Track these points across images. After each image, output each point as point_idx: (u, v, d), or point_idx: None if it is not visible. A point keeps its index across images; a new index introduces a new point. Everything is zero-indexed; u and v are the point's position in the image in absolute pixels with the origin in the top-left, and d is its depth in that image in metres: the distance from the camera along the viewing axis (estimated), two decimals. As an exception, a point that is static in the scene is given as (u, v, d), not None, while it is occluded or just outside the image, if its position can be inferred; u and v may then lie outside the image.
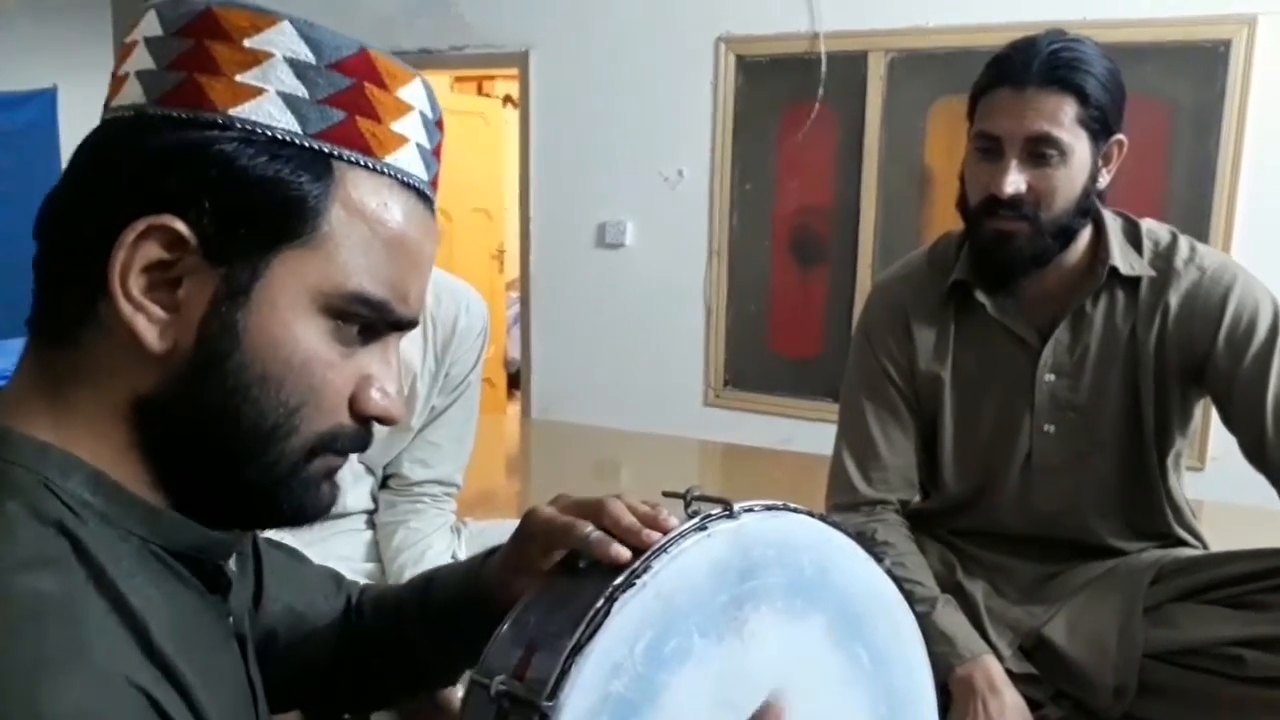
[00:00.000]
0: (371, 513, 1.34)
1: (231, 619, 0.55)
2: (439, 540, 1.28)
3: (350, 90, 0.47)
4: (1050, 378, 1.19)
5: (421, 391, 1.25)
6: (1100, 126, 1.09)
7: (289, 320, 0.47)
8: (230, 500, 0.50)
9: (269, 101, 0.46)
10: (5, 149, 4.98)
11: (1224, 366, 1.12)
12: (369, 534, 1.32)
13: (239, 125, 0.45)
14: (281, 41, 0.46)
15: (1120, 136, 1.13)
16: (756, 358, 3.66)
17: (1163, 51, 2.93)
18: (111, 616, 0.42)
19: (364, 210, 0.48)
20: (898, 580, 0.67)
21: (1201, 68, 2.92)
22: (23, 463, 0.45)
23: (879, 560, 0.66)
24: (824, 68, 3.32)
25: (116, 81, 0.48)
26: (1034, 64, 1.07)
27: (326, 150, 0.47)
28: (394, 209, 0.49)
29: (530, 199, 3.91)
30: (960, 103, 1.19)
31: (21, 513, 0.43)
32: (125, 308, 0.45)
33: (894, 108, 3.30)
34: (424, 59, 3.92)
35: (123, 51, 0.49)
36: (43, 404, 0.47)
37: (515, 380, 4.54)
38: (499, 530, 1.32)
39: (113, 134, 0.47)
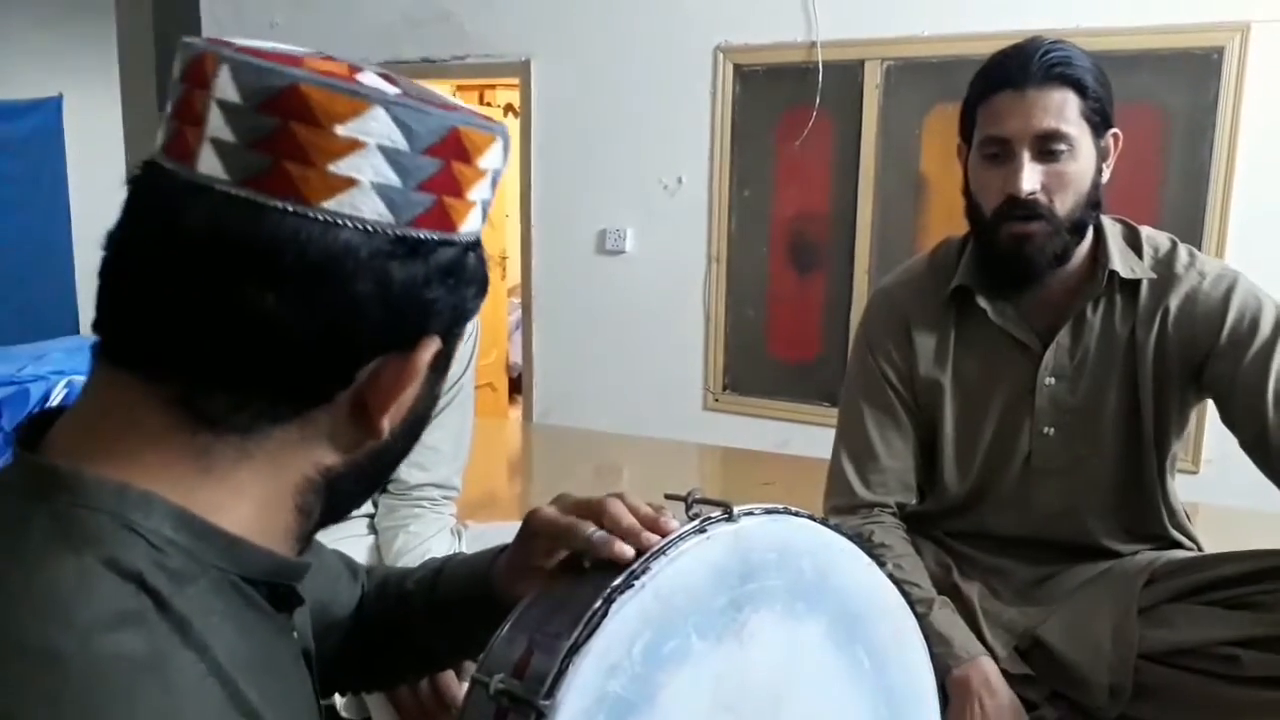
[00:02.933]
0: (371, 517, 1.34)
1: (296, 634, 0.55)
2: (439, 544, 1.29)
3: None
4: (1051, 381, 1.20)
5: None
6: (1100, 119, 1.10)
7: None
8: (361, 504, 0.56)
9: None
10: (12, 156, 5.00)
11: (1226, 363, 1.12)
12: (370, 539, 1.33)
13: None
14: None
15: (1116, 130, 1.14)
16: (755, 362, 3.67)
17: (1156, 59, 2.95)
18: (200, 669, 0.41)
19: None
20: (895, 583, 0.68)
21: (1195, 74, 2.93)
22: (103, 507, 0.42)
23: (881, 564, 0.67)
24: (821, 76, 3.34)
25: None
26: (1031, 64, 1.08)
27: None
28: None
29: (531, 206, 3.92)
30: (956, 110, 1.20)
31: (99, 566, 0.41)
32: (385, 421, 0.48)
33: (890, 115, 3.31)
34: (425, 68, 3.93)
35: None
36: (177, 469, 0.45)
37: (517, 385, 4.54)
38: (500, 533, 1.32)
39: (334, 262, 0.43)
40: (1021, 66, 1.09)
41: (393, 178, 0.44)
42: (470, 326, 1.34)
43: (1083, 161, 1.10)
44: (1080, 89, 1.08)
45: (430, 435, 1.33)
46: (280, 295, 0.43)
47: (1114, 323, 1.18)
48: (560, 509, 0.62)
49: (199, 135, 0.43)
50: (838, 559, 0.64)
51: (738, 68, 3.50)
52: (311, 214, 0.43)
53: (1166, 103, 2.97)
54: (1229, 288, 1.14)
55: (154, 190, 0.44)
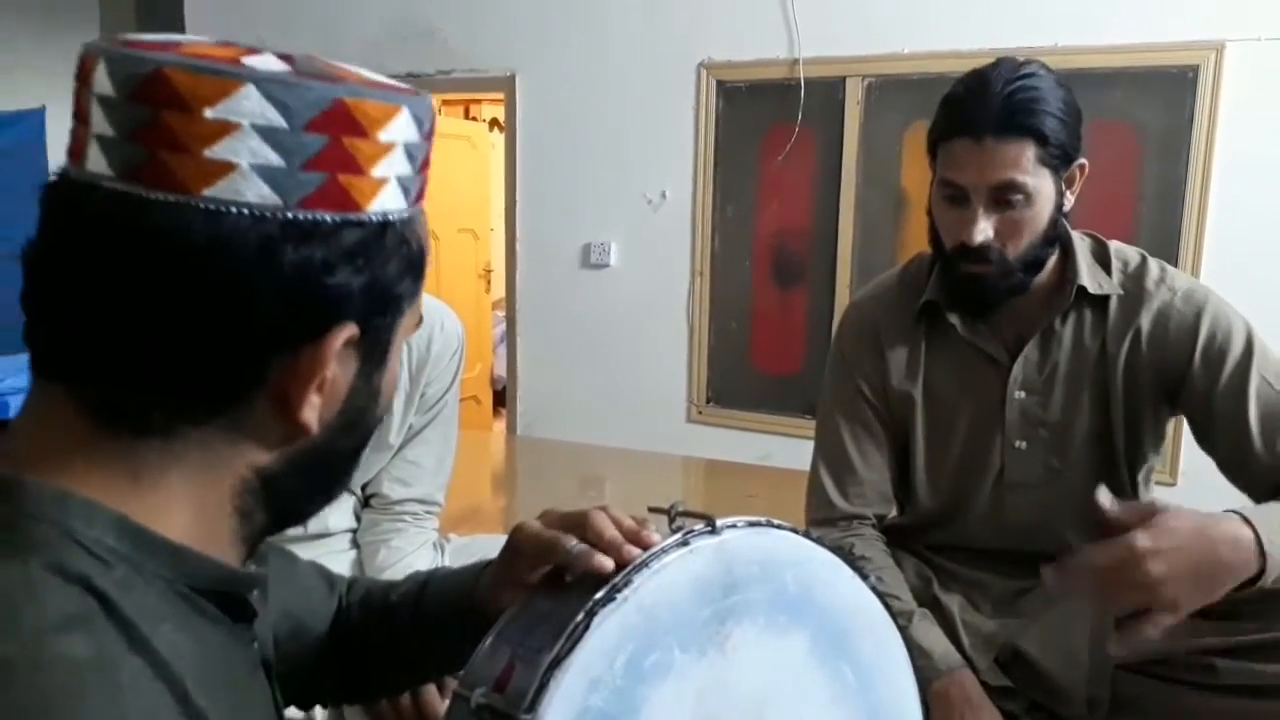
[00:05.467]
0: (354, 531, 1.34)
1: (256, 644, 0.54)
2: (420, 558, 1.28)
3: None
4: (1020, 395, 1.21)
5: (398, 409, 1.26)
6: (1061, 160, 1.09)
7: (397, 362, 0.53)
8: (316, 509, 0.55)
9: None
10: (-6, 168, 4.95)
11: (1200, 385, 1.13)
12: (353, 553, 1.32)
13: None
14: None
15: (1081, 160, 1.13)
16: (738, 375, 3.68)
17: (1133, 77, 3.00)
18: (147, 673, 0.41)
19: None
20: (877, 595, 0.68)
21: (1171, 93, 2.98)
22: (44, 515, 0.42)
23: (864, 577, 0.67)
24: (803, 93, 3.37)
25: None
26: (990, 110, 1.05)
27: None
28: None
29: (516, 220, 3.92)
30: (933, 128, 1.20)
31: (43, 572, 0.40)
32: (308, 413, 0.46)
33: (871, 132, 3.35)
34: (411, 83, 3.89)
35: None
36: (108, 476, 0.44)
37: (501, 397, 4.53)
38: (481, 545, 1.33)
39: (225, 246, 0.42)
40: (981, 111, 1.06)
41: (273, 158, 0.42)
42: (455, 342, 1.34)
43: (1039, 206, 1.09)
44: (1040, 137, 1.05)
45: (412, 450, 1.33)
46: (169, 291, 0.42)
47: (1084, 337, 1.19)
48: (545, 524, 0.62)
49: (86, 134, 0.43)
50: (820, 572, 0.64)
51: (721, 84, 3.53)
52: (193, 203, 0.42)
53: (1142, 120, 3.02)
54: (1199, 306, 1.14)
55: (56, 196, 0.44)
